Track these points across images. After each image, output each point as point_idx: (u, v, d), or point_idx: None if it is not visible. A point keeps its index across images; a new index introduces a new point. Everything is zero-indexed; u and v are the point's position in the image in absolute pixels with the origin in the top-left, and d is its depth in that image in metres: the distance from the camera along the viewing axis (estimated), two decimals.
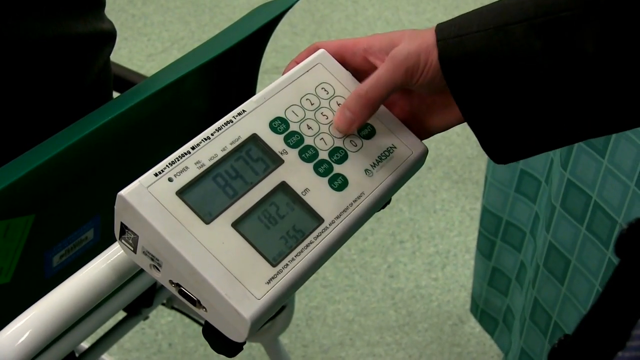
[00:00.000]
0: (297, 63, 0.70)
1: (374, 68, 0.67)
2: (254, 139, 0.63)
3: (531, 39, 0.59)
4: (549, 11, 0.59)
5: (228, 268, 0.56)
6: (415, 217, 2.14)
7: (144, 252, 0.58)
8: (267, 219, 0.60)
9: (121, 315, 1.19)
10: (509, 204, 1.44)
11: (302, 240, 0.60)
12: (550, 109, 0.61)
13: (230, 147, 0.62)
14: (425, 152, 0.70)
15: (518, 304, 1.49)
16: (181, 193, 0.58)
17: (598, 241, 1.14)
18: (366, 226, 2.06)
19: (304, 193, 0.62)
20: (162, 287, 1.12)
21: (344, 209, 0.63)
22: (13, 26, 0.80)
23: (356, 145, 0.67)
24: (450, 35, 0.62)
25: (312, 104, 0.67)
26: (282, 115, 0.66)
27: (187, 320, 1.81)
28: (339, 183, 0.64)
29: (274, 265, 0.58)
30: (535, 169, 1.35)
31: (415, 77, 0.64)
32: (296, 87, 0.67)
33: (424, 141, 0.70)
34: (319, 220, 0.62)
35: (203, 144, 0.61)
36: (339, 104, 0.68)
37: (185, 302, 0.58)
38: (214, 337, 0.58)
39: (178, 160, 0.59)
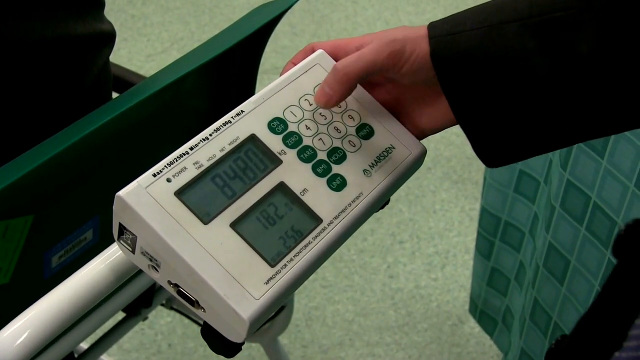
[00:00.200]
0: (294, 64, 0.70)
1: None
2: (253, 139, 0.63)
3: (525, 39, 0.59)
4: (543, 11, 0.59)
5: (226, 268, 0.56)
6: (415, 218, 2.14)
7: (142, 252, 0.58)
8: (265, 219, 0.60)
9: (120, 315, 1.19)
10: (507, 204, 1.44)
11: (301, 241, 0.60)
12: (543, 110, 0.60)
13: (228, 148, 0.62)
14: (423, 153, 0.70)
15: (517, 304, 1.49)
16: (179, 193, 0.58)
17: (597, 241, 1.14)
18: (365, 226, 2.06)
19: (302, 193, 0.62)
20: (161, 287, 1.12)
21: (342, 209, 0.63)
22: (13, 26, 0.80)
23: (355, 146, 0.67)
24: (443, 32, 0.62)
25: (310, 105, 0.67)
26: (281, 116, 0.66)
27: (187, 320, 1.81)
28: (338, 183, 0.64)
29: (272, 266, 0.58)
30: (534, 169, 1.35)
31: (398, 64, 0.63)
32: (295, 87, 0.68)
33: (422, 141, 0.70)
34: (318, 220, 0.62)
35: (201, 144, 0.61)
36: (337, 105, 0.68)
37: (183, 302, 0.58)
38: (212, 337, 0.58)
39: (176, 160, 0.59)
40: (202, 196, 0.59)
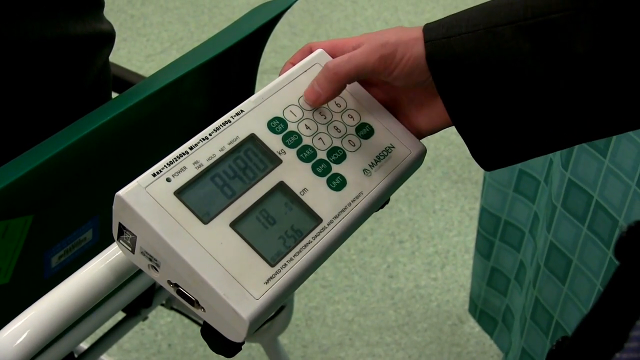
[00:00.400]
0: (293, 64, 0.70)
1: None
2: (252, 139, 0.63)
3: (520, 41, 0.59)
4: (538, 13, 0.58)
5: (226, 268, 0.56)
6: (415, 217, 2.14)
7: (142, 252, 0.58)
8: (265, 219, 0.60)
9: (120, 315, 1.19)
10: (507, 204, 1.44)
11: (301, 240, 0.60)
12: (540, 112, 0.60)
13: (228, 147, 0.62)
14: (423, 152, 0.70)
15: (517, 303, 1.49)
16: (179, 193, 0.58)
17: (599, 241, 1.14)
18: (365, 226, 2.06)
19: (302, 193, 0.62)
20: (161, 287, 1.12)
21: (342, 208, 0.63)
22: (12, 26, 0.80)
23: (354, 145, 0.67)
24: (438, 35, 0.62)
25: None
26: (281, 115, 0.65)
27: (187, 320, 1.81)
28: (338, 183, 0.64)
29: (272, 265, 0.58)
30: (534, 169, 1.35)
31: (389, 68, 0.63)
32: (294, 87, 0.67)
33: (422, 141, 0.70)
34: (318, 220, 0.62)
35: (201, 144, 0.61)
36: (337, 104, 0.68)
37: (183, 302, 0.58)
38: (212, 337, 0.58)
39: (176, 160, 0.59)
40: (201, 196, 0.58)
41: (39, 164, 0.70)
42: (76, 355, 1.14)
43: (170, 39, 2.72)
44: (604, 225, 1.13)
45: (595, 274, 1.17)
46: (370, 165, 0.66)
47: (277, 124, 0.65)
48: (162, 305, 1.28)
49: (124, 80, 1.12)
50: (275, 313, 1.29)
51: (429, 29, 0.63)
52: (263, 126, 0.64)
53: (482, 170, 2.26)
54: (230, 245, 0.57)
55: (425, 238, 2.08)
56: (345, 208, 0.63)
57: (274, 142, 0.64)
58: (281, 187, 0.62)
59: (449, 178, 2.25)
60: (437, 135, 2.41)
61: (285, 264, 0.59)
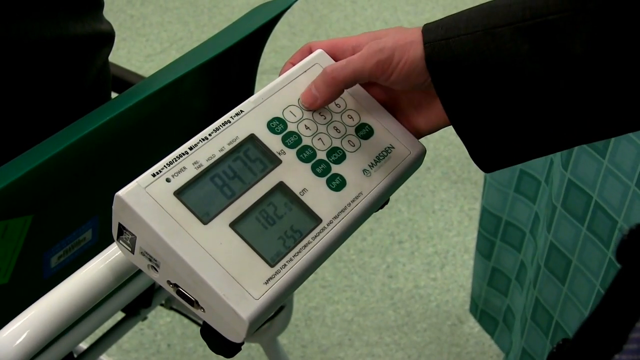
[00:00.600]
0: (293, 64, 0.70)
1: None
2: (252, 139, 0.63)
3: (519, 42, 0.59)
4: (537, 14, 0.58)
5: (226, 268, 0.56)
6: (414, 217, 2.14)
7: (141, 252, 0.58)
8: (265, 219, 0.60)
9: (120, 315, 1.19)
10: (508, 204, 1.44)
11: (300, 241, 0.60)
12: (538, 113, 0.60)
13: (228, 148, 0.62)
14: (423, 152, 0.70)
15: (518, 303, 1.49)
16: (179, 193, 0.58)
17: (599, 241, 1.14)
18: (365, 226, 2.06)
19: (302, 193, 0.62)
20: (160, 287, 1.12)
21: (342, 209, 0.63)
22: (12, 27, 0.80)
23: (354, 146, 0.67)
24: (437, 37, 0.62)
25: None
26: (280, 116, 0.65)
27: (186, 320, 1.81)
28: (337, 183, 0.64)
29: (272, 266, 0.58)
30: (535, 169, 1.35)
31: (385, 73, 0.63)
32: (294, 87, 0.67)
33: (422, 141, 0.70)
34: (317, 220, 0.62)
35: (201, 144, 0.61)
36: (336, 104, 0.68)
37: (183, 302, 0.58)
38: (212, 337, 0.58)
39: (176, 160, 0.59)
40: (201, 196, 0.58)
41: (38, 164, 0.70)
42: (75, 355, 1.15)
43: (170, 39, 2.72)
44: (603, 226, 1.13)
45: (594, 275, 1.17)
46: (370, 166, 0.66)
47: (276, 124, 0.65)
48: (162, 305, 1.28)
49: (123, 81, 1.12)
50: (274, 313, 1.29)
51: (427, 30, 0.63)
52: (263, 126, 0.64)
53: (481, 171, 2.26)
54: (229, 246, 0.57)
55: (425, 238, 2.08)
56: (344, 208, 0.63)
57: (273, 142, 0.64)
58: (281, 188, 0.62)
59: (449, 178, 2.25)
60: (436, 135, 2.41)
61: (285, 264, 0.59)
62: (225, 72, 0.99)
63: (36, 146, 0.74)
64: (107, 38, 0.93)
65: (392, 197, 0.69)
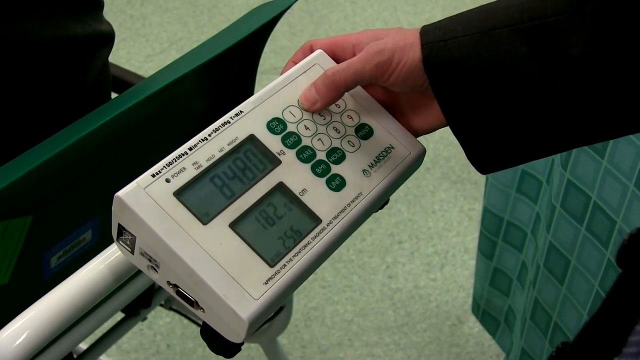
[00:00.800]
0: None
1: None
2: (252, 139, 0.63)
3: (516, 44, 0.59)
4: (535, 16, 0.58)
5: (225, 269, 0.56)
6: (414, 218, 2.14)
7: (141, 253, 0.58)
8: (264, 220, 0.60)
9: (119, 316, 1.19)
10: (510, 204, 1.44)
11: (300, 241, 0.60)
12: (536, 115, 0.60)
13: (227, 148, 0.62)
14: (423, 153, 0.70)
15: (519, 304, 1.49)
16: (178, 194, 0.58)
17: (597, 241, 1.14)
18: (365, 226, 2.06)
19: (301, 193, 0.62)
20: (160, 288, 1.12)
21: (341, 209, 0.63)
22: (12, 27, 0.80)
23: (354, 146, 0.67)
24: (435, 39, 0.62)
25: None
26: (280, 116, 0.66)
27: (186, 321, 1.81)
28: (337, 183, 0.64)
29: (271, 266, 0.58)
30: (537, 169, 1.35)
31: (385, 75, 0.64)
32: (294, 87, 0.67)
33: (421, 141, 0.70)
34: (317, 220, 0.62)
35: (200, 144, 0.61)
36: (336, 105, 0.68)
37: (183, 303, 0.58)
38: (212, 338, 0.58)
39: (175, 161, 0.59)
40: (201, 196, 0.59)
41: (38, 165, 0.70)
42: (75, 356, 1.14)
43: (170, 40, 2.72)
44: (602, 226, 1.13)
45: (593, 275, 1.17)
46: (369, 166, 0.66)
47: (276, 125, 0.65)
48: (161, 305, 1.28)
49: (123, 81, 1.12)
50: (274, 313, 1.29)
51: (425, 32, 0.63)
52: (262, 127, 0.64)
53: None
54: (229, 246, 0.57)
55: (425, 238, 2.08)
56: (344, 208, 0.63)
57: (273, 142, 0.64)
58: (280, 188, 0.62)
59: (448, 178, 2.25)
60: (436, 135, 2.41)
61: (285, 265, 0.59)
62: (225, 72, 0.99)
63: (36, 146, 0.73)
64: (107, 38, 0.93)
65: (392, 198, 0.69)
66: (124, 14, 2.83)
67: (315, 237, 0.61)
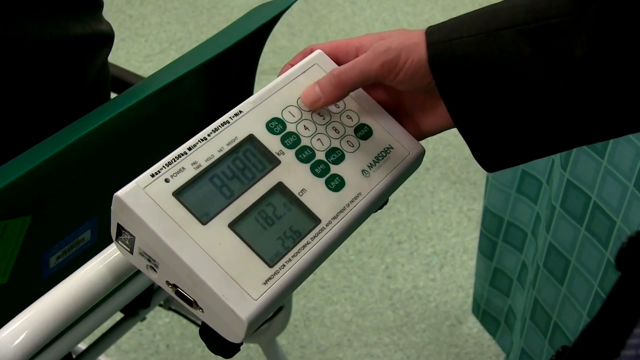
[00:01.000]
0: (292, 66, 0.70)
1: None
2: (251, 139, 0.63)
3: (521, 45, 0.59)
4: (539, 17, 0.59)
5: (225, 269, 0.56)
6: (413, 218, 2.14)
7: (140, 253, 0.58)
8: (264, 220, 0.60)
9: (118, 316, 1.19)
10: (510, 205, 1.44)
11: (299, 241, 0.60)
12: (540, 115, 0.60)
13: (227, 148, 0.62)
14: (422, 153, 0.70)
15: (519, 304, 1.49)
16: (178, 194, 0.58)
17: (597, 242, 1.14)
18: (364, 227, 2.06)
19: (300, 194, 0.62)
20: (159, 288, 1.12)
21: (340, 209, 0.63)
22: (11, 27, 0.79)
23: (353, 146, 0.67)
24: (440, 39, 0.62)
25: None
26: (279, 116, 0.65)
27: (185, 321, 1.80)
28: (336, 184, 0.64)
29: (270, 266, 0.58)
30: (537, 169, 1.35)
31: (392, 73, 0.64)
32: (293, 87, 0.67)
33: (420, 142, 0.70)
34: (316, 220, 0.62)
35: (200, 144, 0.61)
36: (335, 105, 0.68)
37: (182, 303, 0.58)
38: (211, 338, 0.58)
39: (175, 161, 0.59)
40: (200, 196, 0.58)
41: (37, 164, 0.70)
42: (74, 356, 1.14)
43: (169, 40, 2.72)
44: (602, 227, 1.13)
45: (593, 275, 1.17)
46: (369, 166, 0.66)
47: (275, 125, 0.65)
48: (161, 305, 1.28)
49: (122, 81, 1.11)
50: (273, 314, 1.29)
51: (430, 32, 0.63)
52: (262, 127, 0.64)
53: (480, 171, 2.26)
54: (228, 246, 0.57)
55: (424, 239, 2.08)
56: (343, 209, 0.63)
57: (272, 142, 0.64)
58: (280, 188, 0.62)
59: (448, 179, 2.25)
60: (435, 136, 2.39)
61: (284, 265, 0.59)
62: (225, 72, 0.99)
63: (35, 146, 0.73)
64: (106, 38, 0.93)
65: (391, 198, 0.69)
66: (124, 14, 2.83)
67: (315, 237, 0.61)
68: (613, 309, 0.68)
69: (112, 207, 0.57)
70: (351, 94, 0.69)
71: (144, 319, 1.22)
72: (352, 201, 0.64)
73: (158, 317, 1.84)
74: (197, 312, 0.58)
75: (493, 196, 1.47)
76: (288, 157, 0.64)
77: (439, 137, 2.32)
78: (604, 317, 0.69)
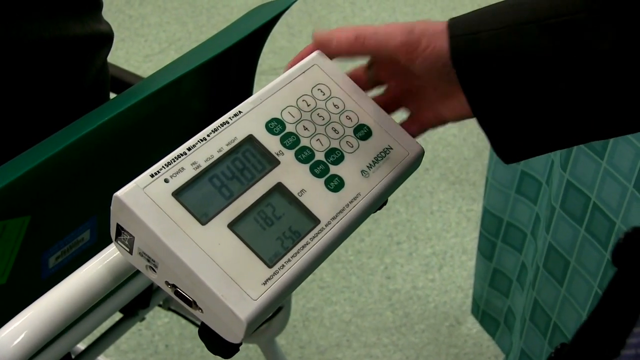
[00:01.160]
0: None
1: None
2: (250, 140, 0.63)
3: (545, 40, 0.59)
4: (563, 12, 0.58)
5: (224, 269, 0.56)
6: (412, 219, 2.14)
7: (140, 253, 0.58)
8: (263, 220, 0.60)
9: (118, 316, 1.19)
10: (509, 205, 1.45)
11: (299, 241, 0.60)
12: (563, 108, 0.60)
13: (226, 148, 0.62)
14: (421, 153, 0.70)
15: (519, 305, 1.49)
16: (177, 194, 0.58)
17: (597, 242, 1.14)
18: (363, 227, 2.06)
19: (300, 194, 0.62)
20: (158, 288, 1.12)
21: (340, 210, 0.63)
22: (11, 27, 0.79)
23: (352, 147, 0.67)
24: (463, 31, 0.61)
25: (308, 105, 0.67)
26: (279, 117, 0.65)
27: (184, 321, 1.80)
28: (335, 184, 0.64)
29: (270, 266, 0.58)
30: (536, 170, 1.35)
31: (411, 55, 0.63)
32: (292, 88, 0.67)
33: (419, 142, 0.70)
34: (315, 221, 0.62)
35: (199, 145, 0.61)
36: (335, 105, 0.68)
37: (181, 303, 0.58)
38: (210, 338, 0.58)
39: (174, 161, 0.59)
40: (199, 197, 0.58)
41: (37, 165, 0.70)
42: (73, 356, 1.14)
43: (169, 40, 2.72)
44: (601, 227, 1.13)
45: (592, 276, 1.17)
46: (368, 167, 0.66)
47: (275, 125, 0.65)
48: (160, 306, 1.28)
49: (122, 81, 1.11)
50: (272, 314, 1.29)
51: (453, 24, 0.62)
52: (261, 127, 0.64)
53: (480, 172, 2.26)
54: (228, 246, 0.57)
55: (423, 239, 2.08)
56: (343, 209, 0.63)
57: (272, 143, 0.64)
58: (279, 188, 0.62)
59: (447, 179, 2.25)
60: (434, 136, 2.41)
61: (283, 265, 0.59)
62: (224, 72, 0.99)
63: (35, 146, 0.73)
64: (106, 38, 0.93)
65: (391, 198, 0.69)
66: (123, 14, 2.83)
67: (314, 237, 0.61)
68: (610, 305, 0.68)
69: (111, 207, 0.57)
70: (351, 94, 0.69)
71: (143, 319, 1.22)
72: (351, 202, 0.64)
73: (157, 318, 1.84)
74: (196, 313, 0.58)
75: (492, 197, 1.47)
76: (287, 157, 0.64)
77: (438, 138, 2.32)
78: (601, 313, 0.69)
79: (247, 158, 0.62)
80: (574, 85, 0.58)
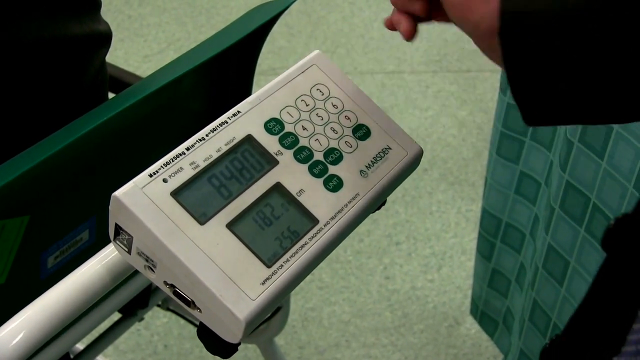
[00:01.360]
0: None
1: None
2: (249, 139, 0.63)
3: (595, 3, 0.56)
4: None
5: (222, 269, 0.56)
6: (411, 219, 2.14)
7: (138, 253, 0.58)
8: (262, 220, 0.60)
9: (116, 316, 1.19)
10: (508, 206, 1.44)
11: (297, 241, 0.60)
12: (605, 80, 0.57)
13: (225, 148, 0.62)
14: (420, 153, 0.70)
15: (518, 305, 1.49)
16: (176, 194, 0.58)
17: (597, 243, 1.14)
18: (362, 227, 2.06)
19: (298, 194, 0.62)
20: (157, 288, 1.12)
21: (339, 209, 0.63)
22: (10, 27, 0.79)
23: (351, 147, 0.67)
24: (515, 8, 0.58)
25: (307, 105, 0.67)
26: (277, 116, 0.65)
27: (183, 321, 1.80)
28: (334, 184, 0.64)
29: (268, 266, 0.58)
30: (535, 170, 1.35)
31: (456, 13, 0.60)
32: (291, 88, 0.67)
33: (418, 142, 0.70)
34: (314, 221, 0.62)
35: (198, 144, 0.61)
36: (334, 105, 0.68)
37: (179, 303, 0.58)
38: (208, 338, 0.58)
39: (173, 161, 0.59)
40: (198, 197, 0.58)
41: (35, 164, 0.70)
42: (72, 356, 1.14)
43: (168, 40, 2.72)
44: (601, 227, 1.12)
45: (592, 276, 1.17)
46: (367, 167, 0.66)
47: (273, 125, 0.65)
48: (158, 306, 1.28)
49: (120, 81, 1.11)
50: (271, 314, 1.29)
51: None
52: (260, 127, 0.64)
53: (479, 172, 2.26)
54: (226, 246, 0.57)
55: (422, 240, 2.08)
56: (341, 209, 0.63)
57: (270, 143, 0.64)
58: (278, 188, 0.62)
59: (446, 180, 2.25)
60: (434, 137, 2.41)
61: (282, 265, 0.59)
62: (223, 72, 0.99)
63: (33, 146, 0.73)
64: (105, 38, 0.93)
65: (390, 199, 0.69)
66: (122, 14, 2.83)
67: (313, 237, 0.61)
68: (600, 291, 0.68)
69: (110, 207, 0.57)
70: (350, 94, 0.69)
71: (142, 319, 1.22)
72: (350, 202, 0.64)
73: (156, 318, 1.84)
74: (195, 313, 0.58)
75: (491, 197, 1.47)
76: (286, 157, 0.64)
77: (438, 138, 2.32)
78: (592, 300, 0.69)
79: (246, 158, 0.62)
80: (623, 62, 0.56)
